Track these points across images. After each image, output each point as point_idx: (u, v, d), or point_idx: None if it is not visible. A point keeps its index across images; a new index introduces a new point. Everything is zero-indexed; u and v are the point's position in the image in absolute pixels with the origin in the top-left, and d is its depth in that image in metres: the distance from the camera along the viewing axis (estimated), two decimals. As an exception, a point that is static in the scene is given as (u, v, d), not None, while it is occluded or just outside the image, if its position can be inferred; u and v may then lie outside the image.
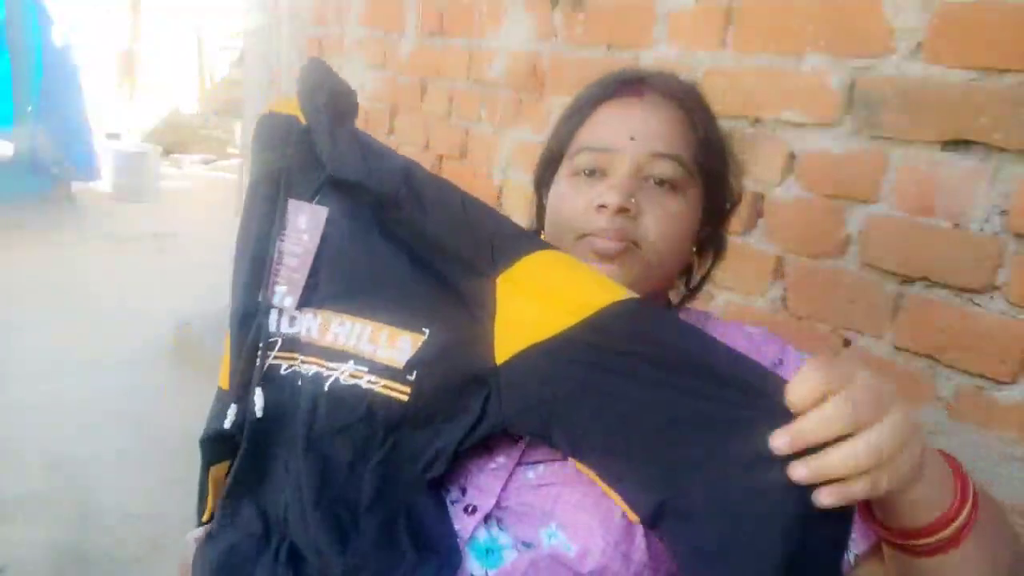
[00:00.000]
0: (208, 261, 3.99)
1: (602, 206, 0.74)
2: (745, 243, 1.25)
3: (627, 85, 0.81)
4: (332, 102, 0.74)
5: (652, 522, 0.59)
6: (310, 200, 0.75)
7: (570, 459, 0.65)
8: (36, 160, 5.82)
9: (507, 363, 0.65)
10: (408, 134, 2.27)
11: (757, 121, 1.22)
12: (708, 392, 0.57)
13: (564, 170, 0.82)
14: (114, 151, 6.50)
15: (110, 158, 6.36)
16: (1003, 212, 0.94)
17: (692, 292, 0.89)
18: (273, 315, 0.75)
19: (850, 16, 1.09)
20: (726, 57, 1.26)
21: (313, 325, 0.73)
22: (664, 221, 0.75)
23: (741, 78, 1.24)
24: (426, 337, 0.69)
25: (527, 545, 0.67)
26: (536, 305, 0.65)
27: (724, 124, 0.85)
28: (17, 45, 5.68)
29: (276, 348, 0.74)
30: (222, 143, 8.38)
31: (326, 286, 0.74)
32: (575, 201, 0.77)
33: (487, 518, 0.69)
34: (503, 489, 0.70)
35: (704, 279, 0.88)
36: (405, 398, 0.68)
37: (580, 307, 0.63)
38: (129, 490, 2.30)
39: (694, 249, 0.84)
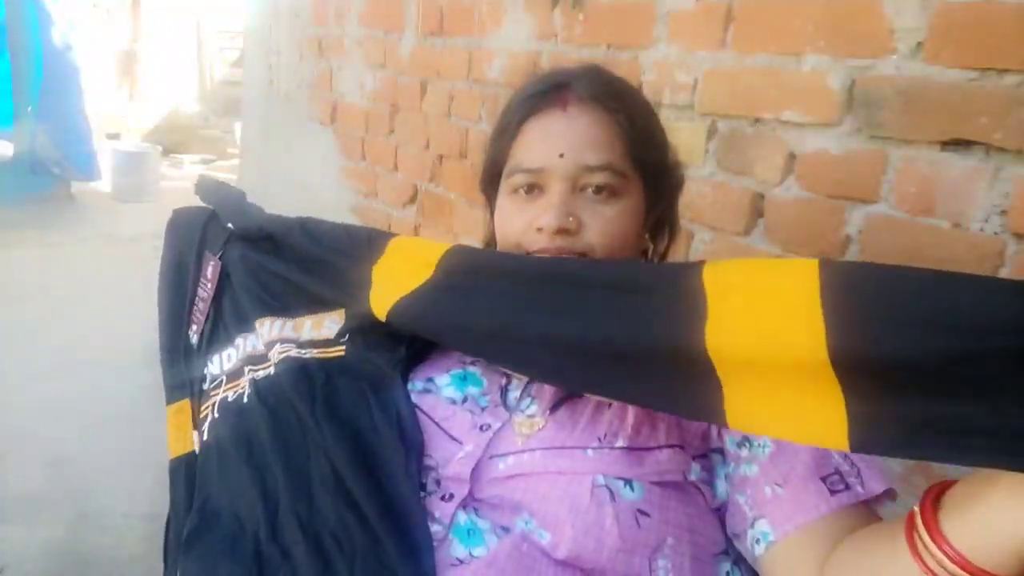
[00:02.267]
0: (208, 261, 3.98)
1: (541, 228, 0.76)
2: (745, 243, 1.25)
3: (551, 96, 0.80)
4: (228, 189, 1.12)
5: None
6: (215, 255, 1.01)
7: (535, 450, 0.72)
8: (36, 160, 5.80)
9: (388, 315, 0.79)
10: (408, 134, 2.27)
11: (757, 121, 1.22)
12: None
13: (504, 187, 0.83)
14: (114, 151, 6.47)
15: (110, 158, 6.34)
16: (1003, 212, 0.94)
17: None
18: (215, 360, 0.92)
19: (850, 16, 1.09)
20: (726, 57, 1.26)
21: (256, 342, 0.90)
22: (607, 228, 0.77)
23: (741, 78, 1.24)
24: (347, 309, 0.87)
25: (505, 529, 0.69)
26: (403, 272, 0.81)
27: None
28: (17, 45, 5.67)
29: (221, 387, 0.89)
30: (222, 143, 8.37)
31: (248, 312, 0.94)
32: (516, 220, 0.80)
33: (464, 505, 0.70)
34: (474, 478, 0.71)
35: (663, 258, 0.90)
36: (343, 353, 0.83)
37: (430, 262, 0.79)
38: (129, 490, 2.29)
39: (647, 235, 0.85)
